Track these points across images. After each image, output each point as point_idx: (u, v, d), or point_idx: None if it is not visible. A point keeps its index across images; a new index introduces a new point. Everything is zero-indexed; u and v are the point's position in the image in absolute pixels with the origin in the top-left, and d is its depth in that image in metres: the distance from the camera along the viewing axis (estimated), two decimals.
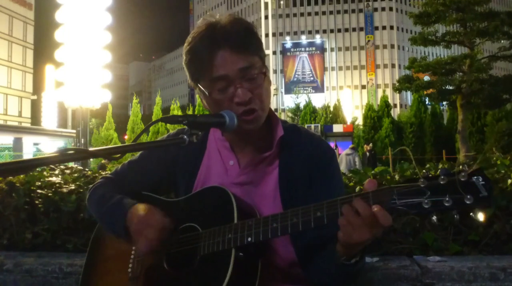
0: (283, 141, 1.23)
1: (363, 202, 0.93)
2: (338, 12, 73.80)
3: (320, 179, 1.22)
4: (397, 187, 0.92)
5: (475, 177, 0.86)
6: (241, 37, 1.13)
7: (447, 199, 0.87)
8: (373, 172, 2.33)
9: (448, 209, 0.87)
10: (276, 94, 66.40)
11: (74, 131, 14.53)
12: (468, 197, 0.85)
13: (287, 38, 72.89)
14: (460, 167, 0.88)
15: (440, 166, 2.47)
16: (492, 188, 0.86)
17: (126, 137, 35.25)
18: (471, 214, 0.87)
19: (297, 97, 39.57)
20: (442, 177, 0.88)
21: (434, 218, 0.90)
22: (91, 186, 1.41)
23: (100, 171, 3.32)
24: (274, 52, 63.98)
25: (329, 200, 1.00)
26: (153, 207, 1.18)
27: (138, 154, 1.39)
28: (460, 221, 1.89)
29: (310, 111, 34.30)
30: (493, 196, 0.86)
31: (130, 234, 1.16)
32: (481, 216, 0.86)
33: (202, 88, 1.17)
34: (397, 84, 21.70)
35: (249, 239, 1.05)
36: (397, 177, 2.13)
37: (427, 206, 0.88)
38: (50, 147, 31.31)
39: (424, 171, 0.92)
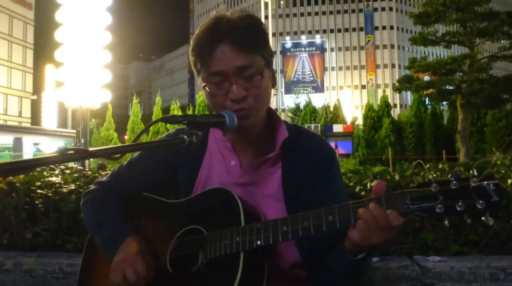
0: (286, 143, 1.22)
1: (378, 206, 0.94)
2: (338, 12, 73.80)
3: (322, 180, 1.22)
4: (410, 192, 0.93)
5: (486, 182, 0.88)
6: (244, 33, 1.12)
7: (460, 204, 0.89)
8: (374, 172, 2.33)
9: (461, 213, 0.89)
10: (276, 94, 66.42)
11: (74, 131, 14.53)
12: (480, 202, 0.87)
13: (287, 38, 72.88)
14: (470, 172, 0.90)
15: (440, 166, 2.47)
16: (502, 193, 0.88)
17: (126, 137, 35.27)
18: (482, 218, 0.88)
19: (297, 97, 39.56)
20: (454, 182, 0.90)
21: (446, 222, 0.93)
22: (85, 191, 1.38)
23: (100, 171, 3.32)
24: (274, 52, 63.64)
25: (341, 204, 0.99)
26: (143, 249, 1.16)
27: (136, 154, 1.38)
28: (462, 222, 1.89)
29: (310, 111, 34.31)
30: (503, 200, 0.88)
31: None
32: (491, 220, 0.88)
33: (200, 79, 1.18)
34: (397, 84, 21.70)
35: (259, 242, 1.04)
36: (397, 177, 2.13)
37: (440, 210, 0.90)
38: (50, 147, 31.32)
39: (434, 175, 0.94)
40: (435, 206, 0.90)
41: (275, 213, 1.16)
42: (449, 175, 0.91)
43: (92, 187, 1.38)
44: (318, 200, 1.17)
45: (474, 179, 0.88)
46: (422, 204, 0.91)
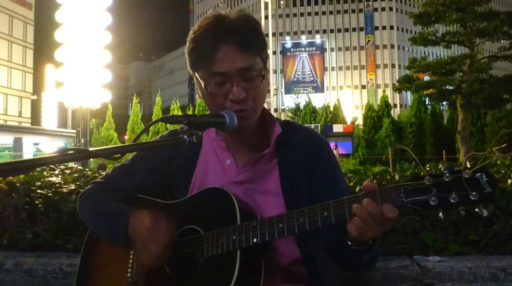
0: (280, 138, 1.23)
1: (372, 202, 0.95)
2: (338, 12, 73.78)
3: (324, 172, 1.23)
4: (403, 185, 0.94)
5: (479, 174, 0.88)
6: (246, 35, 1.13)
7: (453, 195, 0.90)
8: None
9: (454, 205, 0.90)
10: (276, 94, 66.37)
11: (74, 131, 14.52)
12: (474, 193, 0.88)
13: (287, 38, 72.87)
14: (463, 164, 0.91)
15: (440, 166, 2.47)
16: (495, 184, 0.89)
17: (126, 137, 35.27)
18: (476, 209, 0.89)
19: (297, 97, 39.53)
20: (447, 174, 0.90)
21: (441, 214, 0.93)
22: (81, 191, 1.38)
23: (100, 170, 3.32)
24: (274, 52, 63.98)
25: (335, 199, 1.00)
26: (155, 215, 1.16)
27: (130, 156, 1.38)
28: (460, 221, 1.89)
29: (310, 111, 34.30)
30: (496, 191, 0.89)
31: (131, 242, 1.16)
32: (485, 212, 0.89)
33: (199, 78, 1.17)
34: (397, 84, 21.71)
35: (255, 240, 1.04)
36: (397, 177, 2.13)
37: (434, 202, 0.91)
38: (50, 147, 31.33)
39: (428, 168, 0.95)
40: (428, 199, 0.91)
41: (275, 209, 1.17)
42: (442, 168, 0.92)
43: (87, 186, 1.38)
44: (323, 192, 1.18)
45: (467, 171, 0.89)
46: (416, 197, 0.92)
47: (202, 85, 1.16)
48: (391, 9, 72.30)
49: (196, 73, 1.18)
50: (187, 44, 1.18)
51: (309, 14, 74.46)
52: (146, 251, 1.13)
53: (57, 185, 2.39)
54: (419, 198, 0.92)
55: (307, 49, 70.69)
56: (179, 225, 1.19)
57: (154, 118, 30.91)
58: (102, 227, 1.25)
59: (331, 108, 38.45)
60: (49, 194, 2.28)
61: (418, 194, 0.92)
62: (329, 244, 1.17)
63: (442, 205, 0.91)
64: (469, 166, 0.89)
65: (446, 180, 0.90)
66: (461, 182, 0.89)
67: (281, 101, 68.23)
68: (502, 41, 20.15)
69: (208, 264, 1.10)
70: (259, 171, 1.23)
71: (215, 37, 1.12)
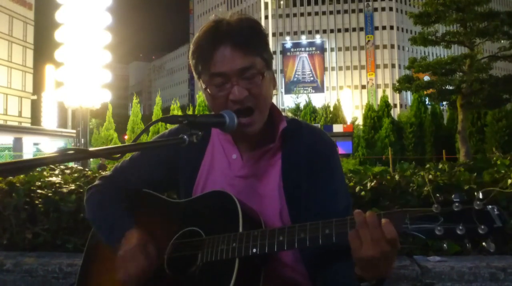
0: (285, 133, 1.23)
1: (373, 213, 0.92)
2: (338, 12, 73.81)
3: (322, 170, 1.22)
4: (409, 211, 0.91)
5: (490, 206, 0.84)
6: (244, 35, 1.13)
7: (460, 227, 0.86)
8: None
9: (461, 237, 0.86)
10: (276, 94, 66.35)
11: (74, 131, 14.53)
12: (482, 227, 0.84)
13: (287, 38, 72.89)
14: (475, 194, 0.87)
15: (440, 166, 2.47)
16: (506, 220, 0.84)
17: (126, 137, 35.29)
18: (483, 243, 0.85)
19: (297, 97, 39.51)
20: (457, 204, 0.87)
21: (445, 245, 0.90)
22: (89, 186, 1.40)
23: (100, 170, 3.32)
24: (274, 52, 64.04)
25: (338, 218, 0.98)
26: (147, 240, 1.16)
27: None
28: None
29: (310, 111, 34.30)
30: (507, 227, 0.86)
31: (118, 249, 1.17)
32: (492, 246, 0.84)
33: (201, 82, 1.18)
34: (397, 84, 21.70)
35: (254, 250, 1.03)
36: (397, 177, 2.13)
37: (440, 233, 0.87)
38: (50, 147, 31.35)
39: (438, 194, 0.91)
40: (434, 228, 0.87)
41: (276, 204, 1.18)
42: (453, 195, 0.88)
43: (96, 181, 1.39)
44: (318, 191, 1.18)
45: (478, 202, 0.85)
46: (422, 225, 0.88)
47: (204, 87, 1.17)
48: (391, 9, 72.33)
49: (199, 77, 1.19)
50: (190, 48, 1.20)
51: (309, 14, 74.47)
52: (121, 268, 1.14)
53: (57, 185, 2.39)
54: (424, 226, 0.88)
55: (307, 49, 70.72)
56: (182, 225, 1.19)
57: (154, 118, 30.90)
58: (101, 228, 1.28)
59: (331, 108, 38.47)
60: (49, 194, 2.28)
61: (424, 222, 0.88)
62: (326, 257, 1.14)
63: (447, 236, 0.87)
64: (481, 196, 0.85)
65: (456, 209, 0.86)
66: (471, 214, 0.85)
67: (281, 101, 68.22)
68: (502, 41, 20.14)
69: (207, 268, 1.10)
70: (263, 165, 1.23)
71: (213, 39, 1.13)
